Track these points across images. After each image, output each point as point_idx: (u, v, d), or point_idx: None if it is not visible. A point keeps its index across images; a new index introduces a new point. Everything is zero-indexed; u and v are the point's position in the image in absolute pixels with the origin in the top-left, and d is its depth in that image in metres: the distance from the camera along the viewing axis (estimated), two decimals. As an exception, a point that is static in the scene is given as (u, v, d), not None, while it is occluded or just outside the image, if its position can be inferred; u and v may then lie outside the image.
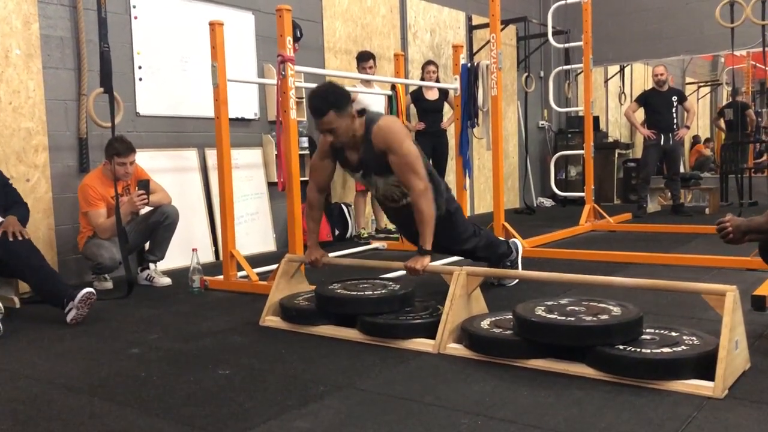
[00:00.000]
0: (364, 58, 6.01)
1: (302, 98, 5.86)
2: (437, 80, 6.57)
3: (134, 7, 4.87)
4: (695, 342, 2.31)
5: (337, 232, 6.14)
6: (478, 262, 3.79)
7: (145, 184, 4.20)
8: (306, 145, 5.90)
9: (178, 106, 5.17)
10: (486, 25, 7.43)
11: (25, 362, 2.77)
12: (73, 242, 4.40)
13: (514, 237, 4.90)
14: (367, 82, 5.92)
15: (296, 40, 5.36)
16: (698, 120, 12.70)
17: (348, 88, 5.77)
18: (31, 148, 4.32)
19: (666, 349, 2.25)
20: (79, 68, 4.54)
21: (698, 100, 13.31)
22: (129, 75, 4.86)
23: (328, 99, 3.00)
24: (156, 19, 5.02)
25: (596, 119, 9.31)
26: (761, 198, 7.94)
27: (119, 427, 2.03)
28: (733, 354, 2.19)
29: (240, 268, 4.14)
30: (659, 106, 7.30)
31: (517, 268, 3.90)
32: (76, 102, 4.55)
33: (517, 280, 3.88)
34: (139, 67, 4.93)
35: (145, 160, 4.75)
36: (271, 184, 5.73)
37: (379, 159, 3.10)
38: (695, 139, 12.66)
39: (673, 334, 2.41)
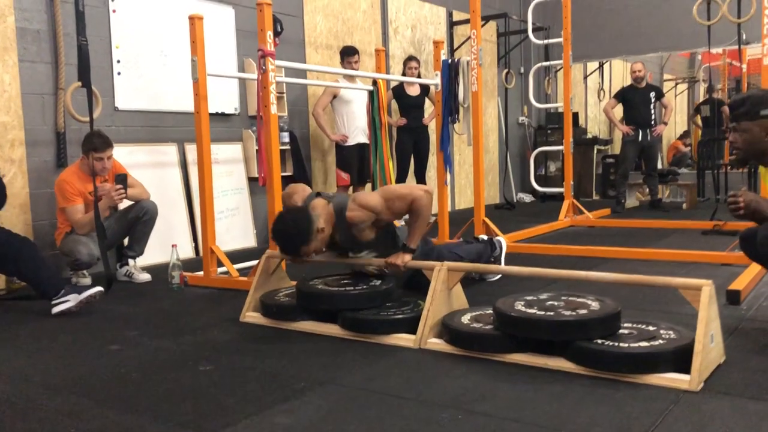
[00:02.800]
0: (349, 53, 5.99)
1: (283, 93, 5.85)
2: (418, 76, 6.57)
3: (112, 0, 4.82)
4: (672, 336, 2.34)
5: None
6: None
7: (122, 179, 4.16)
8: (287, 140, 5.89)
9: (158, 100, 5.12)
10: (467, 21, 7.45)
11: (2, 360, 2.73)
12: (51, 238, 4.35)
13: (496, 234, 4.93)
14: (350, 78, 5.91)
15: (277, 34, 5.35)
16: (675, 116, 12.83)
17: (331, 83, 5.82)
18: (6, 143, 4.26)
19: (644, 343, 2.29)
20: (57, 62, 4.48)
21: (676, 96, 13.47)
22: (107, 69, 4.81)
23: (293, 240, 2.99)
24: (135, 12, 4.97)
25: (575, 115, 9.40)
26: (737, 194, 8.04)
27: (98, 425, 2.02)
28: (709, 348, 2.23)
29: (220, 264, 4.12)
30: (637, 102, 7.37)
31: (500, 263, 3.94)
32: (54, 96, 4.49)
33: (499, 276, 3.91)
34: (118, 61, 4.88)
35: (124, 155, 4.70)
36: (251, 180, 5.70)
37: (356, 239, 3.13)
38: (684, 134, 12.80)
39: (651, 328, 2.44)
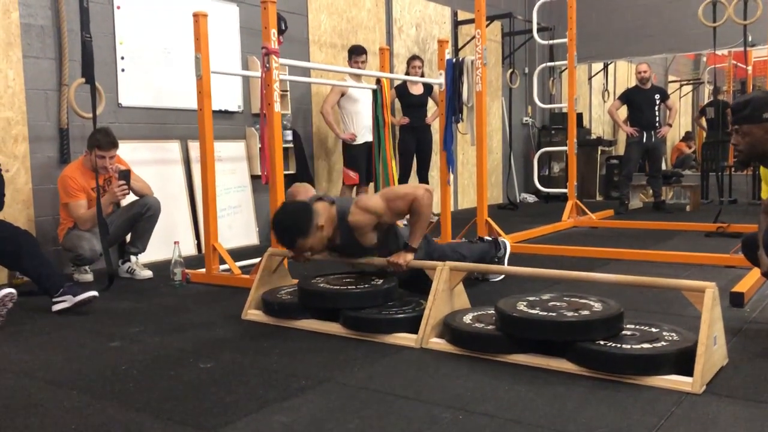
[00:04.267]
0: (357, 52, 5.99)
1: (286, 91, 5.85)
2: (422, 75, 6.56)
3: (117, -4, 4.82)
4: (675, 338, 2.33)
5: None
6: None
7: (125, 174, 4.16)
8: (290, 138, 5.89)
9: (161, 97, 5.12)
10: (471, 21, 7.44)
11: (3, 355, 2.73)
12: (53, 234, 4.35)
13: (499, 234, 4.92)
14: (357, 77, 5.91)
15: (281, 32, 5.35)
16: (680, 118, 12.82)
17: (336, 82, 5.81)
18: (10, 138, 4.27)
19: (646, 345, 2.28)
20: (60, 58, 4.48)
21: (680, 98, 13.43)
22: (111, 65, 4.81)
23: (291, 231, 2.98)
24: (139, 8, 4.97)
25: (579, 116, 9.38)
26: (741, 196, 8.04)
27: (99, 421, 2.02)
28: (712, 350, 2.22)
29: (222, 261, 4.12)
30: (642, 103, 7.35)
31: (503, 264, 3.93)
32: (57, 92, 4.49)
33: (502, 276, 3.90)
34: (122, 58, 4.88)
35: (127, 152, 4.70)
36: (254, 177, 5.70)
37: (358, 244, 3.12)
38: (687, 135, 12.78)
39: (653, 330, 2.43)
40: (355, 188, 6.08)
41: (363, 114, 5.98)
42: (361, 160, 6.02)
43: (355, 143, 6.00)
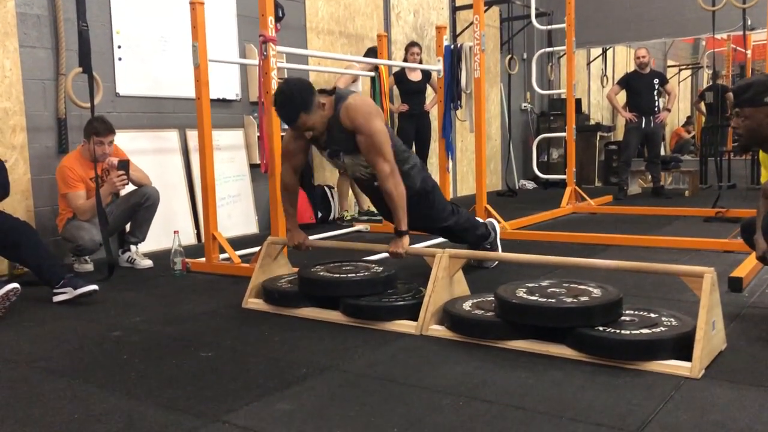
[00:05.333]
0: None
1: (284, 79, 5.82)
2: (420, 62, 6.54)
3: (113, -15, 4.79)
4: (673, 323, 2.34)
5: (320, 215, 6.13)
6: (459, 245, 3.81)
7: (124, 164, 4.16)
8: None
9: (159, 86, 5.11)
10: (469, 6, 7.40)
11: (5, 345, 2.74)
12: (53, 224, 4.35)
13: (498, 221, 4.91)
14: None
15: (278, 20, 5.32)
16: (679, 103, 12.79)
17: (347, 71, 5.80)
18: (8, 129, 4.26)
19: (645, 331, 2.28)
20: (57, 47, 4.46)
21: (679, 83, 13.41)
22: (108, 54, 4.79)
23: (294, 103, 2.93)
24: (135, -3, 4.94)
25: (578, 102, 9.36)
26: (740, 181, 8.04)
27: (101, 410, 2.03)
28: (710, 335, 2.23)
29: (222, 250, 4.13)
30: (641, 88, 7.33)
31: (497, 249, 3.93)
32: (55, 82, 4.48)
33: (497, 262, 3.90)
34: (119, 47, 4.86)
35: (125, 141, 4.69)
36: (253, 166, 5.69)
37: (347, 138, 3.05)
38: (688, 120, 12.77)
39: (652, 315, 2.44)
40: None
41: None
42: None
43: None
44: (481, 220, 4.01)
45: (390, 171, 3.02)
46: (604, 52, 10.87)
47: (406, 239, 3.10)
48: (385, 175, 3.02)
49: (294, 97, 2.93)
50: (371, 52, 5.99)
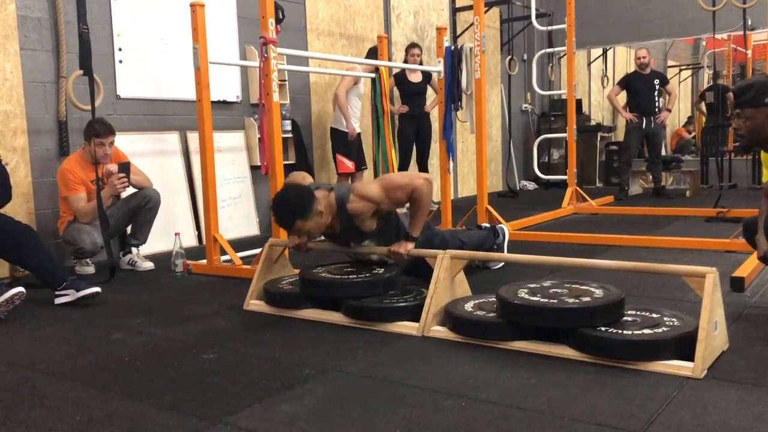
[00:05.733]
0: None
1: (285, 81, 5.83)
2: (421, 63, 6.55)
3: (113, -13, 4.80)
4: (676, 323, 2.34)
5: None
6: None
7: (125, 167, 4.16)
8: (289, 128, 5.88)
9: (159, 88, 5.11)
10: (470, 8, 7.41)
11: (6, 348, 2.74)
12: (54, 227, 4.35)
13: (499, 221, 4.92)
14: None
15: (278, 21, 5.32)
16: (679, 103, 12.78)
17: (349, 73, 5.81)
18: (9, 132, 4.26)
19: (647, 331, 2.28)
20: (58, 50, 4.47)
21: (680, 83, 13.40)
22: (109, 57, 4.79)
23: (291, 211, 2.96)
24: (135, -1, 4.95)
25: (579, 102, 9.35)
26: (741, 181, 8.04)
27: (102, 413, 2.03)
28: (712, 335, 2.23)
29: (223, 252, 4.13)
30: (641, 89, 7.34)
31: (502, 251, 3.93)
32: (55, 84, 4.48)
33: (502, 264, 3.90)
34: (119, 49, 4.86)
35: (126, 143, 4.70)
36: (253, 168, 5.69)
37: (360, 233, 3.11)
38: (689, 120, 12.77)
39: (654, 315, 2.44)
40: (351, 177, 6.14)
41: (359, 106, 6.10)
42: (354, 149, 6.08)
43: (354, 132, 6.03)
44: (485, 229, 4.02)
45: (421, 183, 3.03)
46: (605, 52, 10.87)
47: (412, 243, 3.10)
48: (419, 186, 3.02)
49: (292, 208, 2.97)
50: (373, 52, 5.99)
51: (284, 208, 3.00)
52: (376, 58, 5.63)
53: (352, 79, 5.93)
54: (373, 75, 5.54)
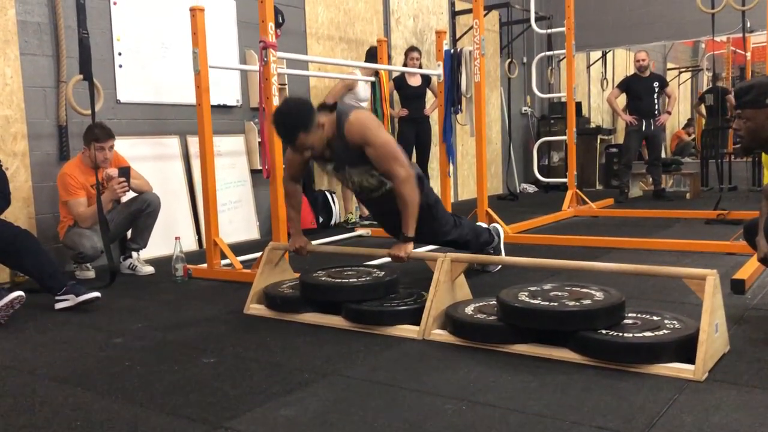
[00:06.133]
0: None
1: (285, 85, 5.84)
2: (420, 66, 6.55)
3: (113, -8, 4.81)
4: (676, 326, 2.34)
5: (321, 220, 6.13)
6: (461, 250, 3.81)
7: (125, 171, 4.16)
8: (289, 132, 5.87)
9: (159, 93, 5.11)
10: (469, 11, 7.41)
11: (7, 352, 2.74)
12: (54, 231, 4.35)
13: (496, 223, 4.91)
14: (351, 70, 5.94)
15: (278, 25, 5.34)
16: (678, 105, 12.79)
17: (347, 76, 5.82)
18: (9, 136, 4.26)
19: (648, 333, 2.28)
20: (58, 55, 4.47)
21: (679, 85, 13.42)
22: (109, 61, 4.80)
23: (295, 122, 2.93)
24: (136, 4, 4.95)
25: (578, 105, 9.36)
26: (741, 183, 8.03)
27: (103, 418, 2.02)
28: (713, 337, 2.23)
29: (224, 256, 4.12)
30: (641, 91, 7.34)
31: (500, 253, 3.92)
32: (55, 89, 4.49)
33: (500, 266, 3.90)
34: (119, 54, 4.87)
35: (126, 147, 4.70)
36: (254, 172, 5.70)
37: (353, 152, 3.07)
38: (689, 122, 12.79)
39: (655, 318, 2.44)
40: None
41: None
42: None
43: None
44: (484, 226, 4.01)
45: (406, 175, 3.03)
46: (604, 55, 10.88)
47: (411, 245, 3.10)
48: (402, 180, 3.02)
49: (293, 116, 2.94)
50: (371, 53, 6.00)
51: (287, 120, 2.95)
52: (376, 59, 5.65)
53: (343, 87, 5.95)
54: (372, 78, 5.55)
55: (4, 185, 3.58)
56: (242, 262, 4.16)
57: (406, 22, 7.60)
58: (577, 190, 6.76)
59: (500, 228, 4.06)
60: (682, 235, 4.93)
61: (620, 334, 2.29)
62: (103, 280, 3.96)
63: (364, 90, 6.02)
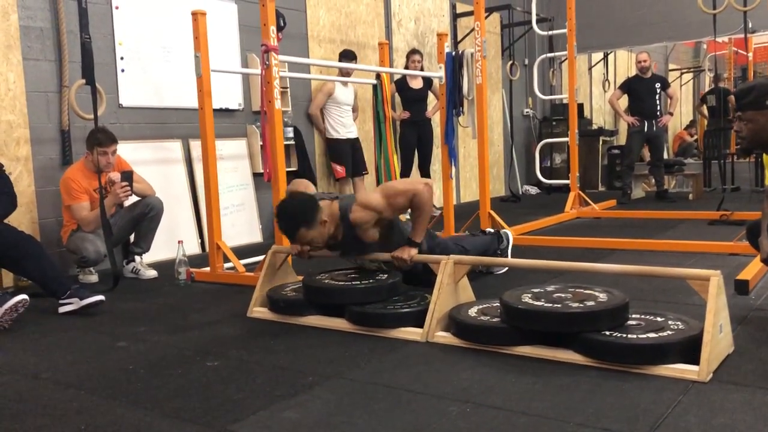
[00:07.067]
0: (349, 57, 6.21)
1: (286, 88, 5.85)
2: (422, 69, 6.56)
3: (115, -3, 4.82)
4: (680, 327, 2.33)
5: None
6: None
7: (128, 176, 4.17)
8: (291, 135, 5.90)
9: (162, 97, 5.12)
10: (470, 13, 7.43)
11: (11, 356, 2.74)
12: (57, 236, 4.36)
13: (502, 226, 4.92)
14: (342, 82, 6.00)
15: (280, 29, 5.35)
16: (681, 106, 12.78)
17: (342, 78, 5.85)
18: (12, 141, 4.27)
19: (652, 335, 2.28)
20: (60, 59, 4.48)
21: (681, 86, 13.41)
22: (111, 66, 4.81)
23: (296, 219, 2.98)
24: (138, 9, 4.97)
25: (580, 107, 9.36)
26: (743, 183, 8.02)
27: (107, 421, 2.02)
28: (718, 338, 2.22)
29: (226, 259, 4.13)
30: (643, 93, 7.33)
31: (506, 256, 3.93)
32: (58, 94, 4.50)
33: (506, 268, 3.90)
34: (121, 58, 4.88)
35: (129, 151, 4.71)
36: (256, 175, 5.70)
37: (360, 244, 3.12)
38: (691, 123, 12.78)
39: (659, 319, 2.43)
40: (352, 182, 6.24)
41: (348, 113, 6.24)
42: (346, 154, 6.22)
43: (340, 138, 6.19)
44: (489, 234, 4.02)
45: (422, 187, 3.04)
46: (606, 56, 10.88)
47: (415, 249, 3.11)
48: (420, 191, 3.02)
49: (296, 216, 2.99)
50: (344, 55, 6.11)
51: (288, 216, 3.01)
52: (350, 61, 5.87)
53: (324, 96, 6.12)
54: (374, 81, 5.54)
55: (10, 188, 3.59)
56: (245, 266, 4.16)
57: (408, 25, 7.60)
58: (580, 192, 6.75)
59: (510, 233, 4.07)
60: (686, 236, 4.92)
61: (624, 335, 2.29)
62: (107, 284, 3.97)
63: (343, 93, 6.10)
